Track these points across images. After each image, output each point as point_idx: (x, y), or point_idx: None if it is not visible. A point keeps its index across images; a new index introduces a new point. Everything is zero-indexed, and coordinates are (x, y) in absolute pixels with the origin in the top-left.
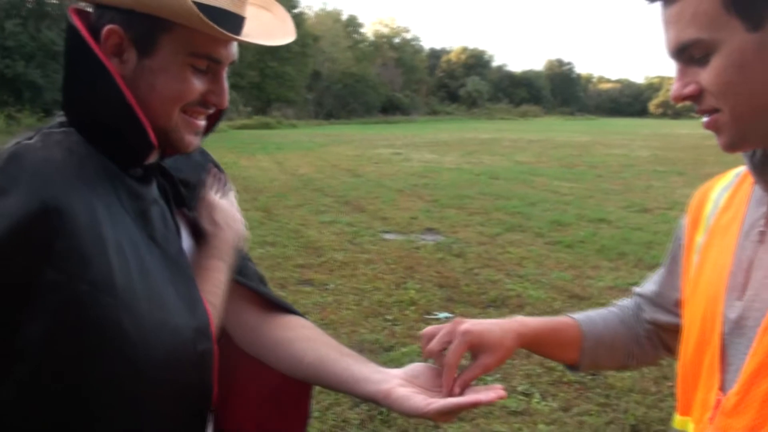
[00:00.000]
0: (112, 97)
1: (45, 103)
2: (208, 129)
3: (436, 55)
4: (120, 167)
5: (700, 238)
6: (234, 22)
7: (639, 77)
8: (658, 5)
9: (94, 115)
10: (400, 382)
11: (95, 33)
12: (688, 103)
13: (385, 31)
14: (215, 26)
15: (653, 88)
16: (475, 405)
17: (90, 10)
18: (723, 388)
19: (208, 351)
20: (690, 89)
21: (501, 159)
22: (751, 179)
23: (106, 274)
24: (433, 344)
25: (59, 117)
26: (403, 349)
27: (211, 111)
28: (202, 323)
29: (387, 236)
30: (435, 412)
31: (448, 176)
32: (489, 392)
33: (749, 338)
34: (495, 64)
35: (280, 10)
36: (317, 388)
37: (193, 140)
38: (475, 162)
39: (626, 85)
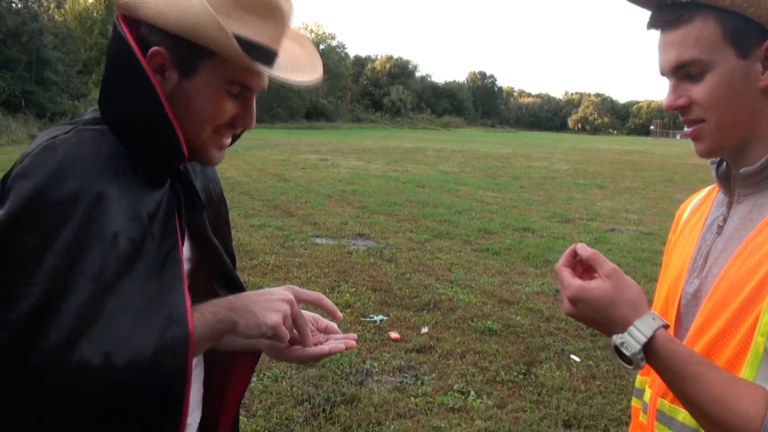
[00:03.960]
0: (152, 108)
1: None
2: (230, 143)
3: (360, 62)
4: (143, 168)
5: (674, 238)
6: (268, 56)
7: (559, 93)
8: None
9: (130, 121)
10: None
11: (142, 47)
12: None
13: (311, 36)
14: (257, 65)
15: (573, 104)
16: (324, 355)
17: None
18: None
19: (176, 367)
20: (682, 101)
21: (426, 168)
22: (716, 189)
23: (99, 266)
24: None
25: (93, 111)
26: None
27: (239, 131)
28: (177, 336)
29: (318, 240)
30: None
31: (376, 183)
32: (338, 343)
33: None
34: (419, 74)
35: (310, 47)
36: (259, 387)
37: (217, 155)
38: (401, 170)
39: (546, 100)
